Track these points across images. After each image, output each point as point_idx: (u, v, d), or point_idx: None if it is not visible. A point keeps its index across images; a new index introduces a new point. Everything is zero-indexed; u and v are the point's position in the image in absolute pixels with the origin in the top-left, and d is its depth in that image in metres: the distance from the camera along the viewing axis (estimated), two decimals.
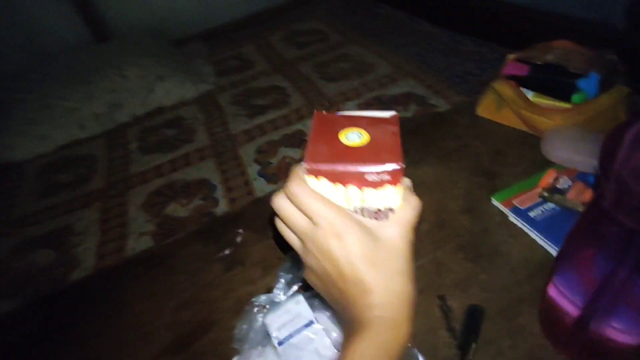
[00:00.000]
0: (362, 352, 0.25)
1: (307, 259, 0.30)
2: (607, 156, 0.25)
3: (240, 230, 0.61)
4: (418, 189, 0.59)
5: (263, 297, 0.48)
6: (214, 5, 2.55)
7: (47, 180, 1.64)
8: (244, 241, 0.59)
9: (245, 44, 2.38)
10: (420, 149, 0.67)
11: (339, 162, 0.28)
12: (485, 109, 0.69)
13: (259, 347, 0.42)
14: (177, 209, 1.31)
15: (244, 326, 0.46)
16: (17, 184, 1.66)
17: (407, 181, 0.31)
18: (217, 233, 0.62)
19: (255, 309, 0.47)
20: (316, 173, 0.29)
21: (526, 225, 0.50)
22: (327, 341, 0.41)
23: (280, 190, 0.30)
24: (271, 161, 1.41)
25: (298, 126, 1.56)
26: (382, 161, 0.28)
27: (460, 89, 1.52)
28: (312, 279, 0.31)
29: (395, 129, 0.31)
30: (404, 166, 0.28)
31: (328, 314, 0.44)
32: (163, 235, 1.24)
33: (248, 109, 1.76)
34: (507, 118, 0.65)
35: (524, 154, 0.61)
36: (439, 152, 0.65)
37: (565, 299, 0.36)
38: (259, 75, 1.99)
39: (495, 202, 0.54)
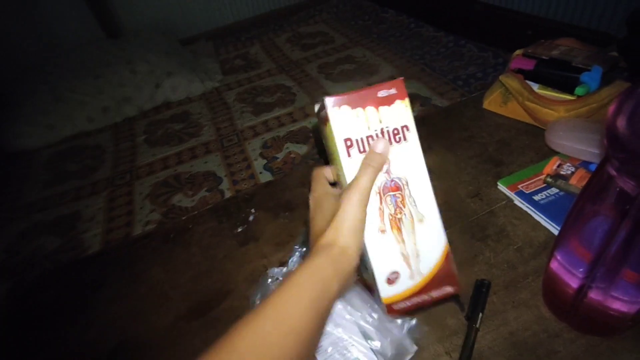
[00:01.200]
0: (318, 264, 0.32)
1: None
2: (613, 121, 0.27)
3: (253, 210, 0.63)
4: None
5: (277, 269, 0.50)
6: (222, 6, 2.59)
7: (55, 168, 1.67)
8: (257, 219, 0.61)
9: (251, 44, 2.42)
10: (428, 139, 0.69)
11: (355, 91, 0.35)
12: (492, 102, 0.72)
13: None
14: (183, 200, 1.33)
15: (258, 295, 0.47)
16: (27, 171, 1.68)
17: (374, 160, 0.35)
18: (230, 212, 0.64)
19: (269, 280, 0.49)
20: (339, 103, 0.34)
21: (530, 207, 0.52)
22: (339, 307, 0.43)
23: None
24: (277, 156, 1.44)
25: (303, 123, 1.59)
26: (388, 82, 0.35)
27: (464, 91, 1.55)
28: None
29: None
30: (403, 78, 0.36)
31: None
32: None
33: (254, 106, 1.79)
34: (513, 111, 0.68)
35: (529, 144, 0.63)
36: (446, 142, 0.68)
37: (566, 271, 0.39)
38: (264, 75, 2.03)
39: (501, 187, 0.56)
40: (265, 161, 1.43)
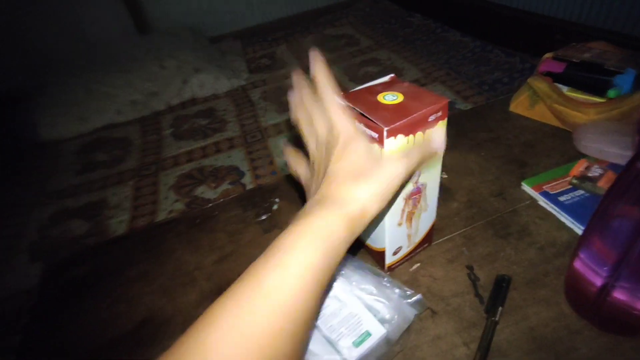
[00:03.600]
0: (330, 222, 0.28)
1: (316, 158, 0.36)
2: None
3: (277, 200, 0.65)
4: (449, 173, 0.62)
5: None
6: (250, 7, 2.65)
7: (84, 158, 1.74)
8: (280, 209, 0.63)
9: (277, 44, 2.46)
10: (452, 139, 0.69)
11: (406, 116, 0.34)
12: (518, 105, 0.71)
13: None
14: (206, 191, 1.37)
15: None
16: (58, 159, 1.76)
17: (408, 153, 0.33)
18: (254, 201, 0.66)
19: None
20: (395, 132, 0.34)
21: (555, 208, 0.52)
22: (347, 287, 0.44)
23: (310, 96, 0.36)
24: None
25: None
26: (433, 103, 0.35)
27: (489, 95, 1.54)
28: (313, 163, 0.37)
29: (406, 83, 0.40)
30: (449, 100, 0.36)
31: (342, 271, 0.47)
32: None
33: (278, 105, 1.82)
34: (540, 114, 0.68)
35: (555, 147, 0.63)
36: (470, 142, 0.68)
37: (590, 270, 0.38)
38: (289, 74, 2.06)
39: (525, 187, 0.56)
40: None
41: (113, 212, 1.36)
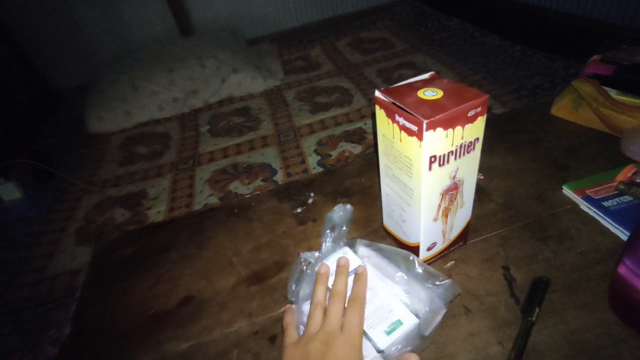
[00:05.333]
0: None
1: (313, 340, 0.37)
2: None
3: (312, 194, 0.66)
4: (486, 174, 0.62)
5: (308, 253, 0.49)
6: (288, 11, 2.72)
7: (127, 151, 1.84)
8: (315, 202, 0.65)
9: (313, 47, 2.50)
10: (490, 140, 0.68)
11: (445, 111, 0.35)
12: (561, 108, 0.69)
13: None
14: (239, 187, 1.41)
15: (294, 278, 0.46)
16: (104, 151, 1.87)
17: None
18: (291, 194, 0.68)
19: (302, 263, 0.49)
20: (434, 125, 0.35)
21: (599, 213, 0.50)
22: (379, 276, 0.44)
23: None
24: (330, 153, 1.48)
25: (359, 124, 1.62)
26: (472, 98, 0.35)
27: (528, 101, 1.49)
28: (296, 355, 0.37)
29: (446, 79, 0.40)
30: (488, 96, 0.36)
31: (372, 261, 0.47)
32: None
33: (312, 105, 1.84)
34: (584, 118, 0.65)
35: (600, 152, 0.61)
36: (509, 144, 0.67)
37: (636, 277, 0.37)
38: (324, 76, 2.09)
39: (566, 191, 0.55)
40: (319, 157, 1.47)
41: (151, 203, 1.43)
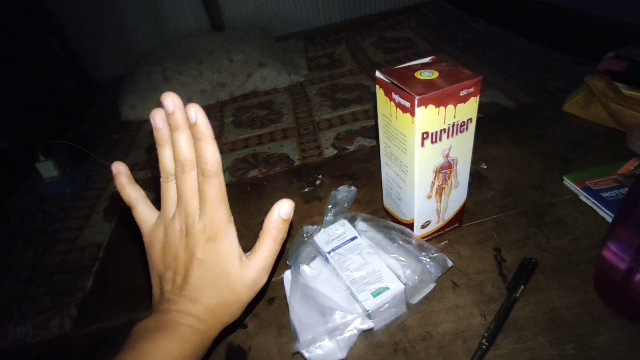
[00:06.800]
0: (168, 353, 0.27)
1: (170, 228, 0.31)
2: None
3: (320, 176, 0.70)
4: (489, 164, 0.63)
5: (311, 227, 0.53)
6: (316, 10, 2.77)
7: None
8: (323, 183, 0.68)
9: (338, 45, 2.53)
10: (495, 132, 0.70)
11: (438, 89, 0.37)
12: (573, 105, 0.70)
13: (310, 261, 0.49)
14: (257, 175, 1.47)
15: (295, 248, 0.50)
16: (135, 137, 1.98)
17: (264, 258, 0.32)
18: (300, 175, 0.72)
19: (305, 235, 0.53)
20: (426, 102, 0.37)
21: (596, 203, 0.51)
22: (371, 249, 0.47)
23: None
24: (347, 147, 1.51)
25: None
26: (465, 79, 0.37)
27: (551, 103, 1.47)
28: (156, 248, 0.32)
29: (444, 63, 0.42)
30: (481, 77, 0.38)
31: (368, 234, 0.50)
32: None
33: (332, 101, 1.88)
34: (595, 114, 0.66)
35: (607, 147, 0.61)
36: (515, 137, 0.68)
37: (616, 256, 0.39)
38: (346, 73, 2.12)
39: (567, 182, 0.56)
40: (335, 151, 1.51)
41: None
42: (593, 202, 0.52)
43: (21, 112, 2.03)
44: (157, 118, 0.30)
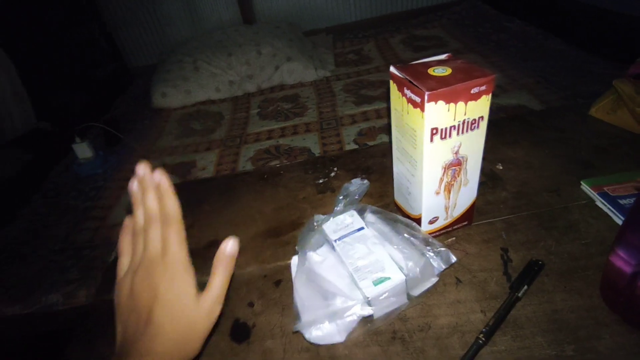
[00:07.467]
0: None
1: (136, 275, 0.34)
2: None
3: (335, 168, 0.71)
4: (506, 165, 0.63)
5: (322, 216, 0.54)
6: (347, 6, 2.77)
7: (184, 125, 2.00)
8: (337, 176, 0.70)
9: (367, 41, 2.52)
10: (515, 133, 0.69)
11: (450, 85, 0.38)
12: (600, 109, 0.68)
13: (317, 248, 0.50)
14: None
15: (305, 234, 0.53)
16: (165, 124, 2.06)
17: (216, 291, 0.35)
18: (316, 167, 0.73)
19: (315, 224, 0.55)
20: (435, 98, 0.38)
21: (612, 209, 0.50)
22: (376, 240, 0.48)
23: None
24: (368, 143, 1.51)
25: None
26: (478, 77, 0.38)
27: (581, 108, 1.41)
28: (123, 293, 0.35)
29: (459, 60, 0.42)
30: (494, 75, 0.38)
31: (376, 226, 0.51)
32: None
33: (357, 97, 1.88)
34: (622, 119, 0.64)
35: (630, 154, 0.59)
36: (536, 139, 0.67)
37: (622, 261, 0.38)
38: (373, 70, 2.11)
39: (584, 187, 0.55)
40: (356, 146, 1.51)
41: (199, 173, 1.57)
42: (609, 209, 0.51)
43: (62, 96, 2.15)
44: (133, 184, 0.37)
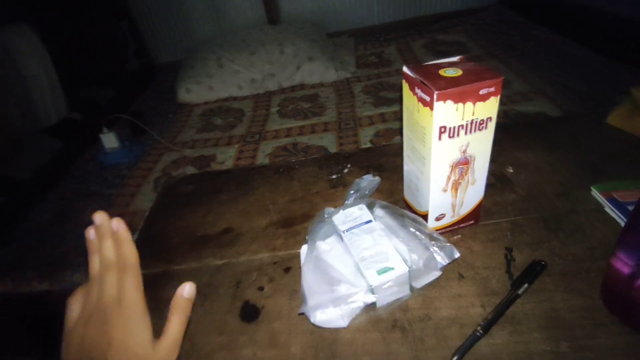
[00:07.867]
0: None
1: (90, 321, 0.33)
2: None
3: (349, 165, 0.74)
4: (517, 168, 0.64)
5: (332, 209, 0.56)
6: (370, 9, 2.79)
7: (206, 120, 2.06)
8: (350, 172, 0.72)
9: (388, 45, 2.53)
10: (528, 137, 0.69)
11: (459, 85, 0.40)
12: (616, 117, 0.68)
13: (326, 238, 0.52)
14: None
15: (315, 225, 0.55)
16: (187, 118, 2.13)
17: (173, 336, 0.34)
18: (330, 163, 0.76)
19: (325, 215, 0.57)
20: (444, 97, 0.40)
21: (620, 215, 0.50)
22: (383, 232, 0.50)
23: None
24: (385, 144, 1.53)
25: None
26: (487, 78, 0.39)
27: (602, 117, 1.38)
28: (74, 341, 0.33)
29: (471, 63, 0.44)
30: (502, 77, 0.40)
31: (384, 220, 0.52)
32: None
33: (376, 99, 1.90)
34: (639, 127, 0.64)
35: None
36: (548, 144, 0.67)
37: (621, 262, 0.39)
38: (393, 73, 2.12)
39: (594, 192, 0.55)
40: (373, 147, 1.53)
41: (218, 167, 1.62)
42: (617, 214, 0.51)
43: (92, 88, 2.25)
44: (90, 232, 0.37)
